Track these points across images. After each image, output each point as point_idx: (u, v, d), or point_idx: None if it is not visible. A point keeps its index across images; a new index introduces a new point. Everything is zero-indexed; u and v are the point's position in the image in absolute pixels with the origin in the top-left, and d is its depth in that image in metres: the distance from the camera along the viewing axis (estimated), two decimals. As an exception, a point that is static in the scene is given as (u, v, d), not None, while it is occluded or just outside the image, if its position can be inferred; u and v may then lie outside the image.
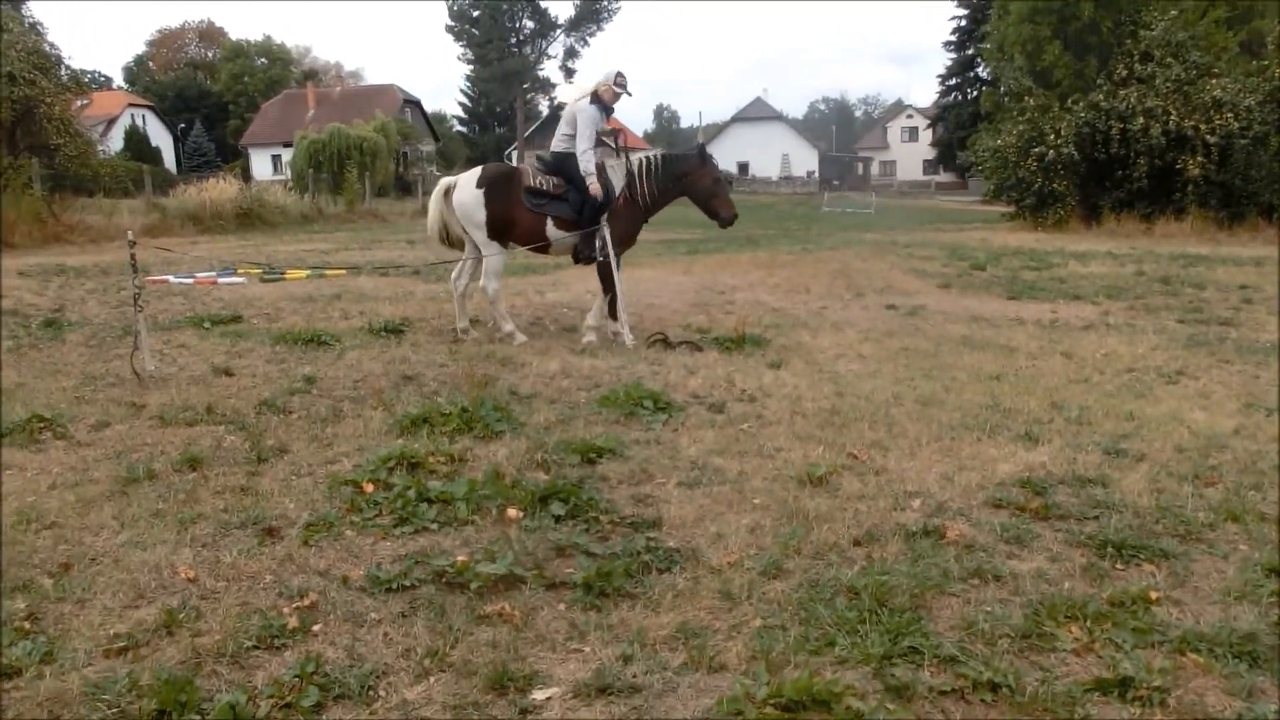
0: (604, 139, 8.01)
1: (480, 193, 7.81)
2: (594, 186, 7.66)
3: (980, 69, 60.65)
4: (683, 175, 7.99)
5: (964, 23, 64.42)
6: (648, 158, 8.07)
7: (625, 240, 8.05)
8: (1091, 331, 8.64)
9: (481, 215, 7.80)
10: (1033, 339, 8.16)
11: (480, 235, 7.88)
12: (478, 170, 8.09)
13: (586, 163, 7.65)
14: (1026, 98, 26.23)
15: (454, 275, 8.34)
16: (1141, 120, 22.86)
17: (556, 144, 7.97)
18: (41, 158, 23.09)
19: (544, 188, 7.84)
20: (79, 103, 27.65)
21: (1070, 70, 27.06)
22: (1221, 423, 5.38)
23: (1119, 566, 3.47)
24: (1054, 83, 27.44)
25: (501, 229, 7.86)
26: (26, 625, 3.01)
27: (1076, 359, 7.30)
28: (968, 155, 33.89)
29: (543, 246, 8.07)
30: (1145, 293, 11.47)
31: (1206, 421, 5.40)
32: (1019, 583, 3.30)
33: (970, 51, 63.23)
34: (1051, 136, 24.14)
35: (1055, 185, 24.38)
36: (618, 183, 7.89)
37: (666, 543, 3.62)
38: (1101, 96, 23.99)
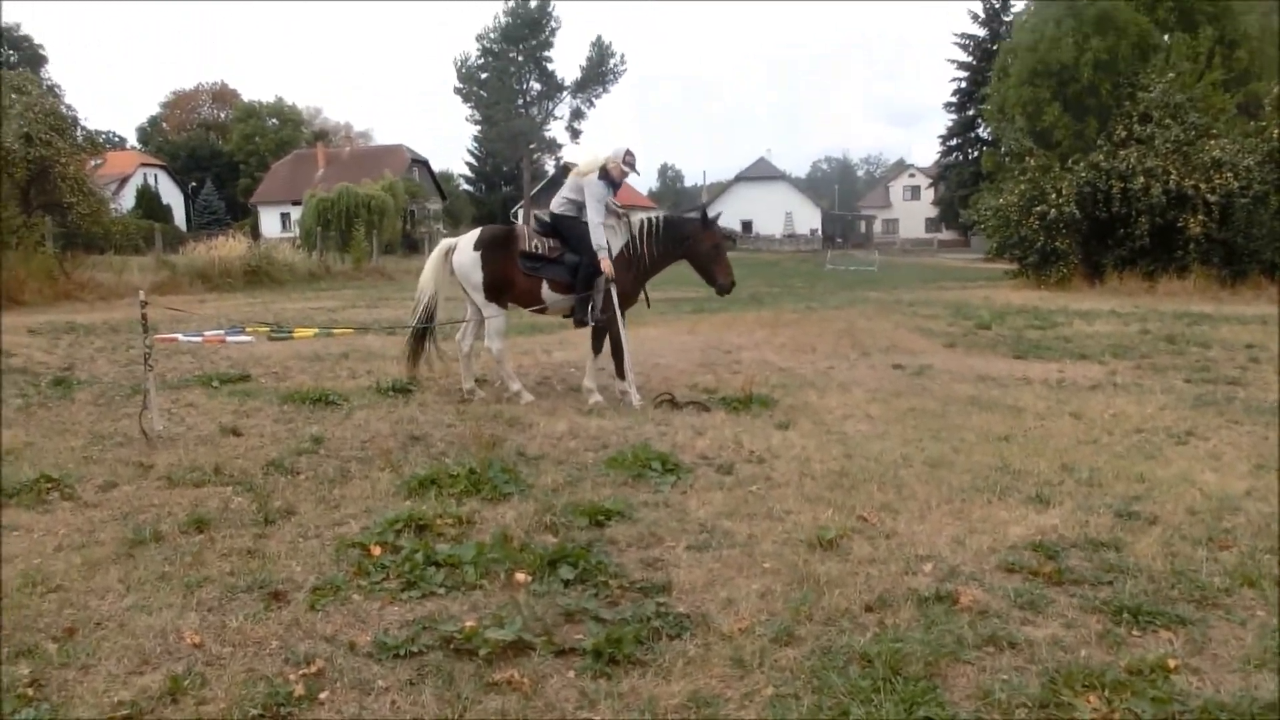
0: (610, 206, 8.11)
1: (478, 255, 7.92)
2: (606, 265, 7.70)
3: (981, 129, 61.52)
4: (685, 238, 8.07)
5: (964, 84, 65.50)
6: (650, 219, 8.14)
7: (625, 300, 8.10)
8: (1099, 391, 8.62)
9: (479, 277, 7.90)
10: (1040, 399, 8.14)
11: (479, 296, 7.97)
12: (476, 232, 8.21)
13: (599, 237, 7.71)
14: (1027, 158, 26.51)
15: (459, 336, 8.39)
16: (1142, 180, 23.07)
17: (556, 205, 8.06)
18: (54, 216, 23.38)
19: (539, 251, 7.92)
20: (93, 162, 28.07)
21: (1070, 131, 27.44)
22: (1233, 484, 5.35)
23: (1135, 633, 3.42)
24: (1054, 143, 27.80)
25: (498, 290, 7.95)
26: (30, 692, 2.98)
27: (1085, 419, 7.28)
28: (970, 214, 34.19)
29: (540, 308, 8.14)
30: (1151, 352, 11.46)
31: (1218, 483, 5.37)
32: (1034, 650, 3.26)
33: (971, 112, 64.20)
34: (1053, 195, 24.35)
35: (1058, 243, 24.54)
36: (616, 243, 7.95)
37: (677, 608, 3.59)
38: (1102, 157, 24.25)
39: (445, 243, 8.36)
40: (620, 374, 7.95)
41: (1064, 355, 11.27)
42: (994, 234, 27.65)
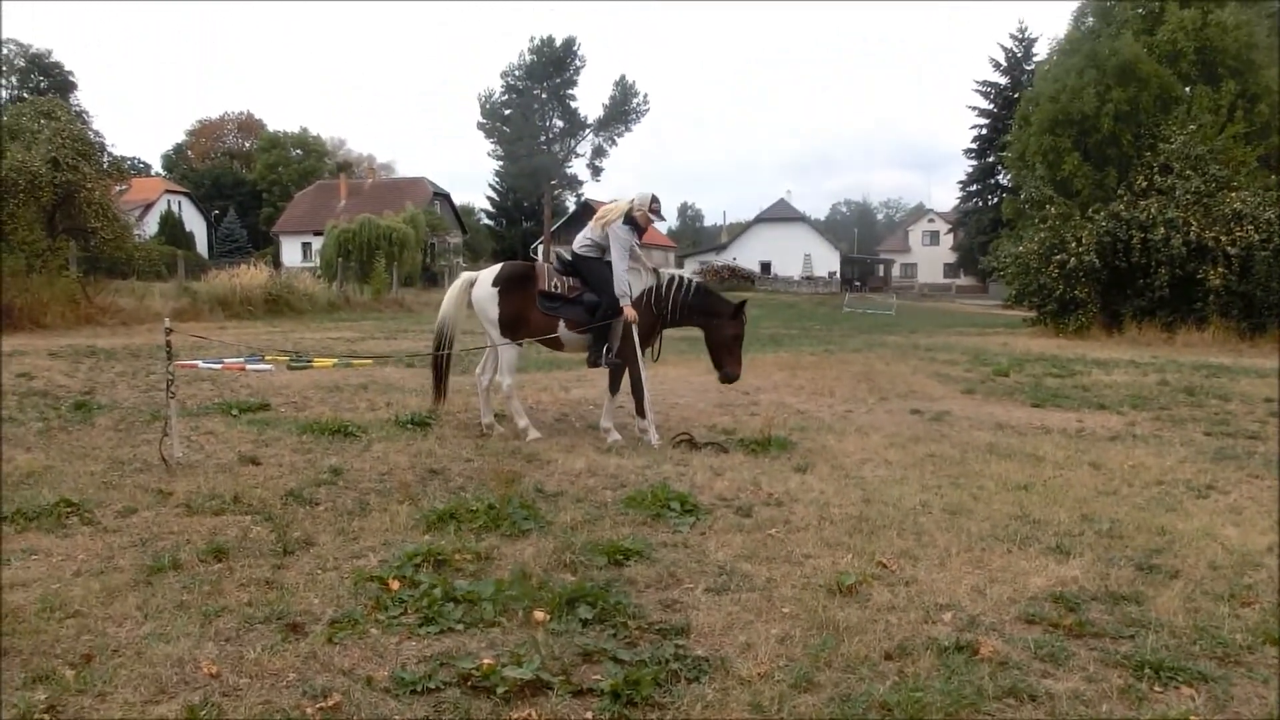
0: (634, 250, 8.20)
1: (495, 291, 7.98)
2: (629, 312, 7.75)
3: (1001, 176, 61.71)
4: (712, 315, 8.06)
5: (985, 131, 65.87)
6: (687, 281, 8.16)
7: (642, 342, 8.12)
8: (1118, 442, 8.56)
9: (495, 312, 7.95)
10: (1059, 448, 8.09)
11: (494, 331, 8.02)
12: (496, 268, 8.28)
13: (621, 284, 7.76)
14: (1048, 206, 26.56)
15: (478, 370, 8.43)
16: (1162, 230, 23.05)
17: (578, 245, 8.12)
18: (78, 240, 23.68)
19: (558, 290, 7.96)
20: (118, 188, 28.46)
21: (1090, 180, 27.49)
22: (1255, 539, 5.29)
23: (1157, 689, 3.38)
24: (1074, 192, 27.84)
25: (514, 327, 8.00)
26: (46, 718, 2.97)
27: (1104, 470, 7.23)
28: (989, 260, 34.23)
29: (555, 344, 8.19)
30: (1170, 403, 11.39)
31: (1239, 538, 5.31)
32: (1055, 704, 3.22)
33: (991, 159, 64.51)
34: (1073, 244, 24.35)
35: (1077, 292, 24.50)
36: (638, 286, 8.00)
37: (695, 651, 3.56)
38: (1122, 207, 24.27)
39: (466, 276, 8.43)
40: (640, 412, 7.96)
41: (1082, 405, 11.21)
42: (1013, 281, 27.63)
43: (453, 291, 8.30)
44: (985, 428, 9.20)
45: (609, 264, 7.86)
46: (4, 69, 44.92)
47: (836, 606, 4.04)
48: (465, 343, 8.47)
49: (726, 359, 8.08)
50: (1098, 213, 24.74)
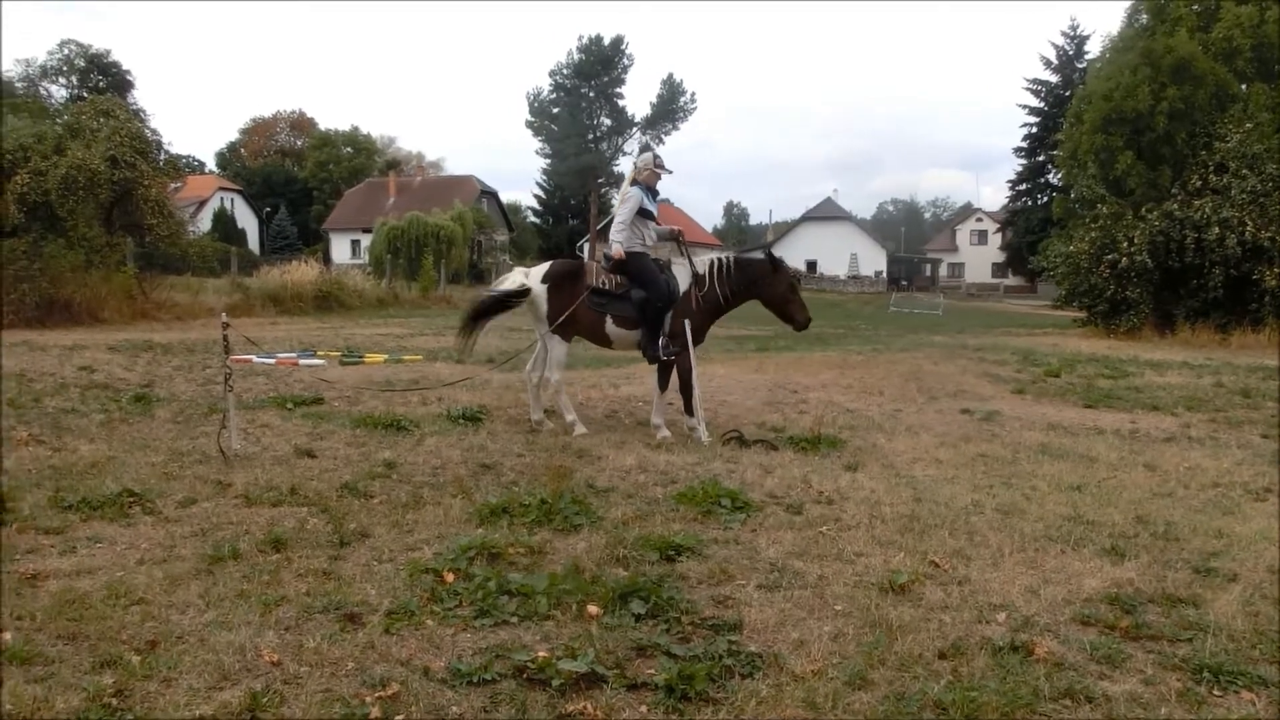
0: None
1: (545, 288, 8.04)
2: (616, 250, 7.89)
3: (1051, 175, 60.77)
4: (755, 280, 8.18)
5: (1035, 129, 64.89)
6: (719, 259, 8.23)
7: (694, 335, 8.15)
8: (1173, 444, 8.41)
9: (545, 309, 8.02)
10: (1113, 449, 7.97)
11: (543, 328, 8.09)
12: (545, 265, 8.37)
13: (616, 234, 7.94)
14: (1099, 205, 26.10)
15: (528, 367, 8.50)
16: (1217, 230, 22.56)
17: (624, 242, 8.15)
18: (135, 236, 24.18)
19: (607, 287, 8.01)
20: (173, 185, 29.01)
21: (1143, 179, 26.92)
22: (1317, 545, 5.17)
23: (1216, 693, 3.33)
24: (1127, 191, 27.30)
25: (563, 324, 8.03)
26: (114, 702, 3.04)
27: (1159, 472, 7.11)
28: (1039, 260, 33.70)
29: (605, 342, 8.23)
30: (1225, 405, 11.15)
31: (1301, 543, 5.19)
32: (1113, 706, 3.19)
33: (1041, 158, 63.53)
34: (1125, 244, 23.92)
35: (1129, 292, 24.06)
36: (683, 282, 8.02)
37: (748, 647, 3.57)
38: (1176, 206, 23.79)
39: (519, 271, 8.52)
40: (689, 410, 7.98)
41: (1136, 406, 11.02)
42: (1063, 281, 27.20)
43: (532, 275, 8.30)
44: (1037, 428, 9.08)
45: (655, 260, 7.97)
46: (65, 69, 45.97)
47: (889, 605, 4.02)
48: (510, 339, 8.52)
49: (791, 310, 8.20)
50: (1151, 212, 24.26)
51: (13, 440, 6.98)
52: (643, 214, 8.06)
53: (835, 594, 4.16)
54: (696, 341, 8.15)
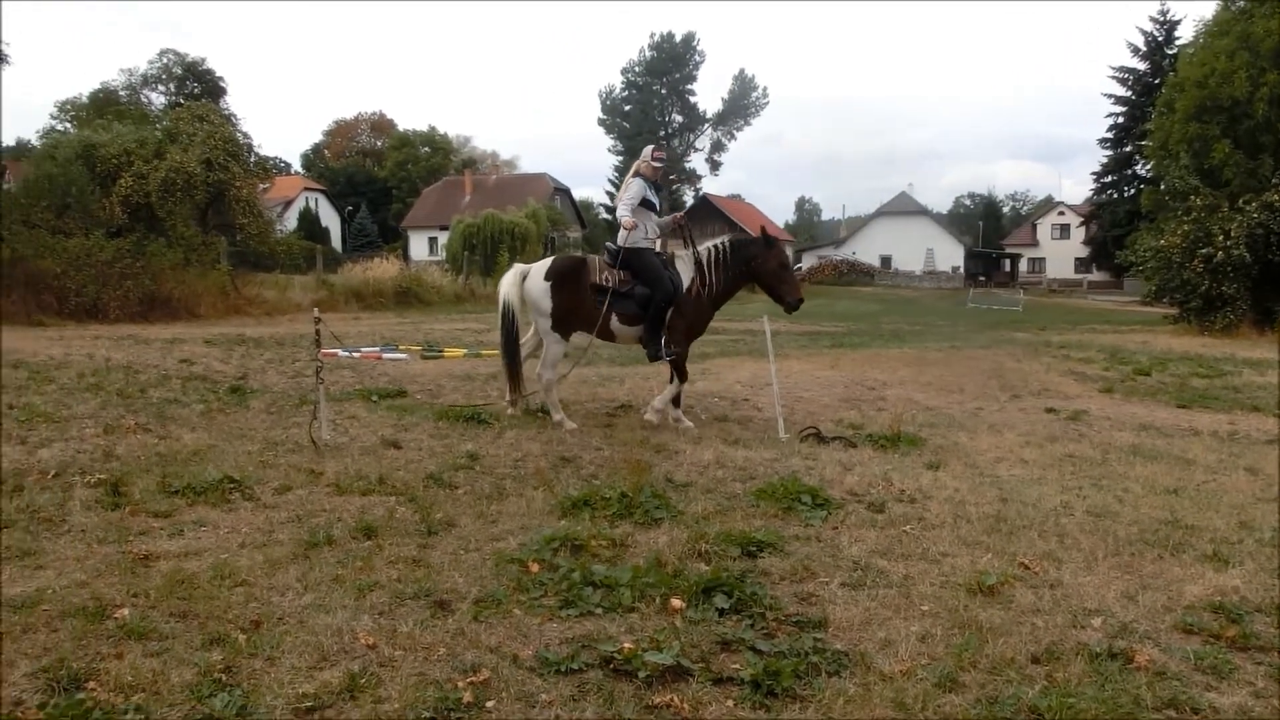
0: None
1: (547, 285, 8.01)
2: (627, 220, 7.90)
3: (1139, 166, 58.82)
4: (750, 260, 8.11)
5: (1121, 119, 62.83)
6: (716, 246, 8.18)
7: (694, 330, 8.15)
8: (1276, 446, 8.09)
9: (547, 305, 8.01)
10: (1210, 451, 7.71)
11: (545, 324, 8.09)
12: (548, 261, 8.30)
13: (623, 211, 8.01)
14: (1192, 197, 25.19)
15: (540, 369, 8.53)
16: (1322, 223, 21.62)
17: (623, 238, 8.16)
18: (227, 235, 25.05)
19: (608, 284, 7.98)
20: (262, 186, 29.96)
21: (1241, 169, 25.86)
22: None
23: (1331, 709, 3.20)
24: (1223, 182, 26.27)
25: (566, 320, 8.05)
26: (223, 678, 3.16)
27: (1262, 476, 6.85)
28: (1126, 254, 32.62)
29: (609, 337, 8.25)
30: (1333, 407, 10.69)
31: None
32: (1220, 718, 3.09)
33: (1128, 149, 61.47)
34: (1220, 238, 23.05)
35: (1224, 288, 23.19)
36: (687, 274, 8.02)
37: (834, 645, 3.55)
38: (1277, 197, 22.84)
39: (519, 267, 8.44)
40: (675, 402, 8.13)
41: (1234, 406, 10.63)
42: (1153, 276, 26.33)
43: (507, 281, 8.30)
44: (1127, 428, 8.83)
45: (658, 255, 8.06)
46: (164, 77, 47.77)
47: (978, 606, 3.96)
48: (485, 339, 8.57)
49: (783, 289, 8.08)
50: (1249, 204, 23.33)
51: (122, 428, 7.30)
52: (645, 204, 8.10)
53: (921, 594, 4.12)
54: (698, 332, 8.26)
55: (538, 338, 8.36)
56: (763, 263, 8.08)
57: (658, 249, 8.27)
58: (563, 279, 8.04)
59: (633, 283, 7.98)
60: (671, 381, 8.19)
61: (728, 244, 8.20)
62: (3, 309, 16.96)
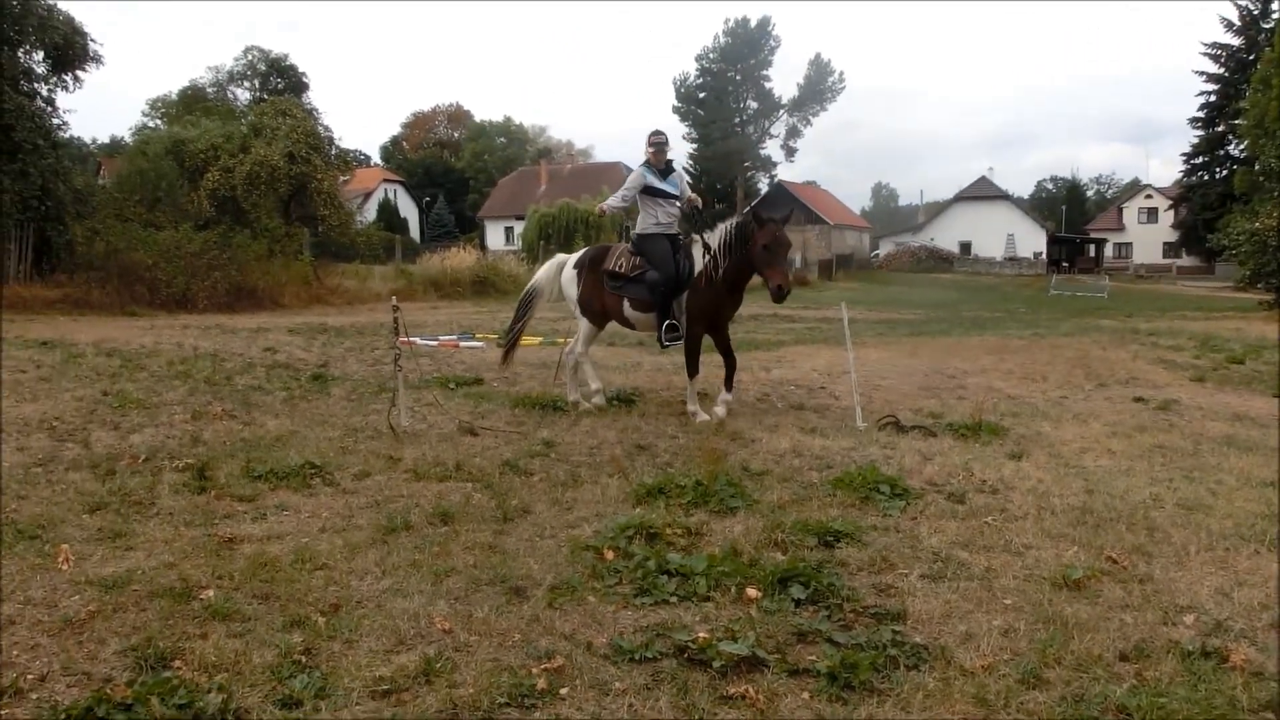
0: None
1: (575, 272, 8.41)
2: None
3: (1232, 146, 56.48)
4: (746, 242, 7.63)
5: (1213, 98, 60.37)
6: (726, 227, 7.80)
7: (708, 316, 7.90)
8: (1382, 438, 7.69)
9: (574, 291, 8.41)
10: (1310, 443, 7.36)
11: (575, 308, 8.45)
12: (581, 251, 8.68)
13: (611, 200, 8.49)
14: (1292, 178, 24.14)
15: (566, 350, 8.72)
16: None
17: (640, 225, 8.18)
18: (309, 227, 25.69)
19: (620, 269, 8.06)
20: (342, 178, 30.61)
21: (1345, 148, 24.73)
22: None
23: None
24: (1325, 162, 25.15)
25: (588, 305, 8.31)
26: (303, 659, 3.23)
27: (1367, 469, 6.52)
28: (1218, 238, 31.39)
29: (627, 323, 8.37)
30: None
31: None
32: (1320, 721, 2.95)
33: (1221, 128, 59.05)
34: (1322, 220, 22.05)
35: (1326, 273, 22.18)
36: (699, 261, 7.90)
37: (913, 638, 3.48)
38: (1384, 177, 21.75)
39: (560, 257, 8.86)
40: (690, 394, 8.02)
41: (1337, 397, 10.13)
42: (1247, 261, 25.34)
43: (545, 268, 8.82)
44: (1220, 418, 8.48)
45: (670, 238, 8.00)
46: (249, 73, 49.16)
47: (1063, 601, 3.84)
48: (559, 327, 8.63)
49: (766, 272, 7.46)
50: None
51: (209, 414, 7.54)
52: (651, 192, 8.02)
53: (1004, 587, 4.01)
54: (713, 317, 7.95)
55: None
56: (752, 245, 7.54)
57: (671, 234, 8.11)
58: (586, 266, 8.39)
59: (644, 269, 7.97)
60: (722, 374, 8.14)
61: (733, 225, 7.86)
62: (91, 299, 17.64)
